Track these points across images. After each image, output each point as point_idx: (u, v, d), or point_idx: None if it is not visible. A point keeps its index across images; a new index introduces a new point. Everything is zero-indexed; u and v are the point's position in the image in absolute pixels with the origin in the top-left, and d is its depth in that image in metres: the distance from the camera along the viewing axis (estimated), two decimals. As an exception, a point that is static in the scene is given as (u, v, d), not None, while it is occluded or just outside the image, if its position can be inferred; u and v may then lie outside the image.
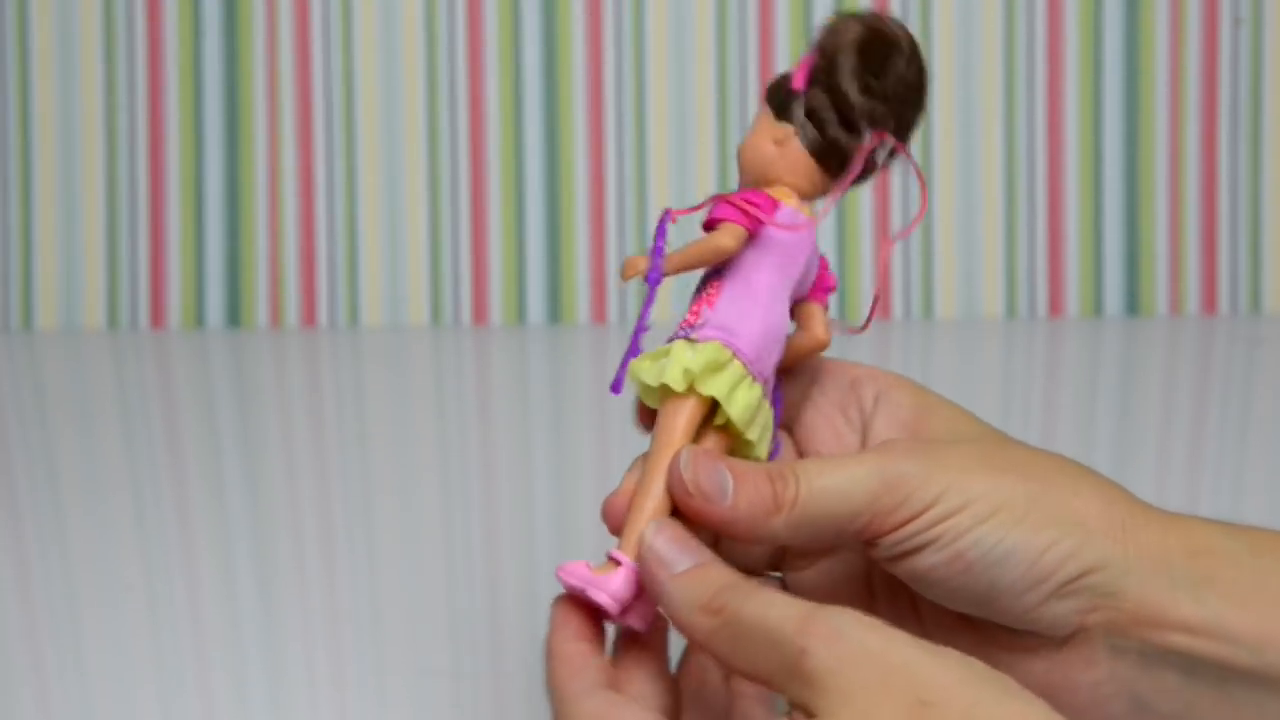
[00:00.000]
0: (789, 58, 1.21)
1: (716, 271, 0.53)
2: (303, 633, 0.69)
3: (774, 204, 0.53)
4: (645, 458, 0.52)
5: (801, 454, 0.56)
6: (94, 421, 1.00)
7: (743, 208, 0.52)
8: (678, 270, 0.52)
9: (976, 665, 0.44)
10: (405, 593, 0.73)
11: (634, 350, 0.53)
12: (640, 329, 0.53)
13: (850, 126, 0.53)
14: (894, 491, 0.50)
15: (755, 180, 0.54)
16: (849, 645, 0.44)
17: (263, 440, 0.97)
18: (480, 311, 1.22)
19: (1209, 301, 1.22)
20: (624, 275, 0.52)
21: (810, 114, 0.53)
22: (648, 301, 0.52)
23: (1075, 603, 0.50)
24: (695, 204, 0.53)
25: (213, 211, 1.23)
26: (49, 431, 0.99)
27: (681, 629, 0.48)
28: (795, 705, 0.44)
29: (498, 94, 1.22)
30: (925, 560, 0.50)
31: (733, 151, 1.20)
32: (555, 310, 1.22)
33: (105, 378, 1.15)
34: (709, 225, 0.53)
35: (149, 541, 0.80)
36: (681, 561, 0.48)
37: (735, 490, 0.51)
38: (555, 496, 0.87)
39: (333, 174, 1.22)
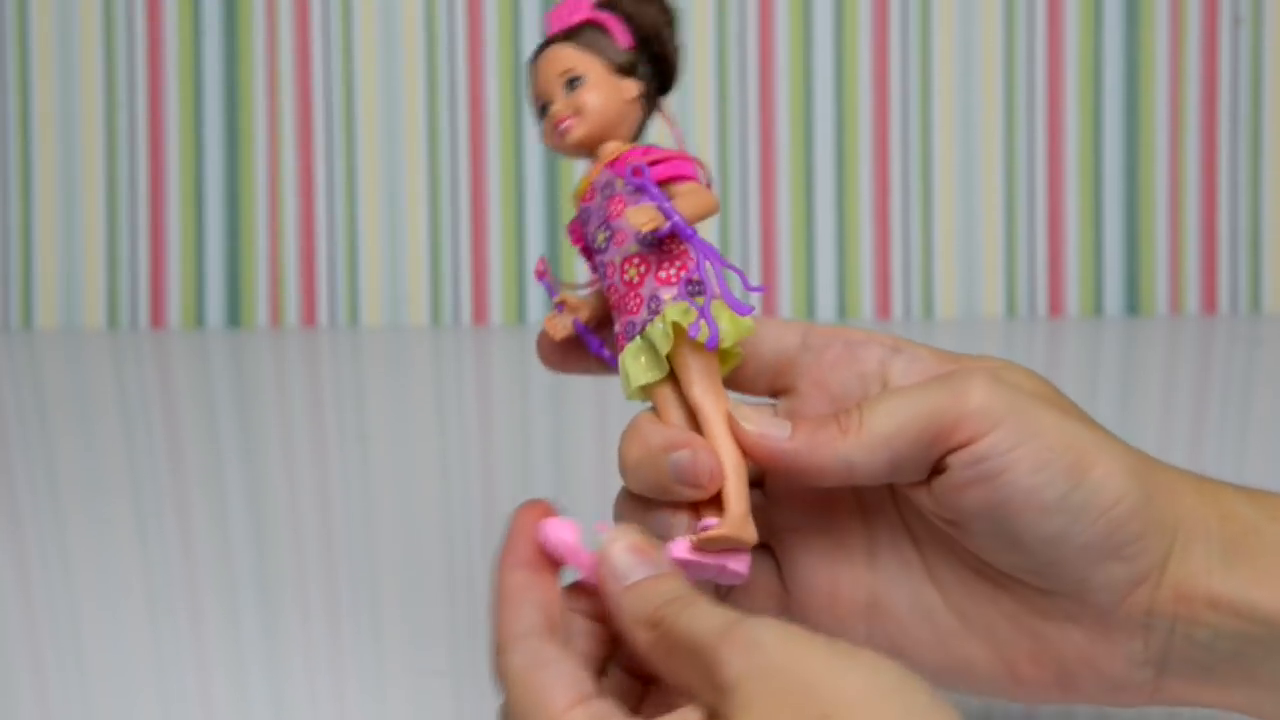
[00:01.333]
0: (789, 55, 1.21)
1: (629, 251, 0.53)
2: (303, 633, 0.69)
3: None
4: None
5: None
6: (94, 421, 1.00)
7: (695, 169, 0.53)
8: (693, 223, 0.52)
9: (889, 675, 0.43)
10: (405, 593, 0.73)
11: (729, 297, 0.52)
12: (721, 266, 0.51)
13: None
14: (961, 402, 0.49)
15: (603, 134, 0.54)
16: (761, 656, 0.43)
17: (263, 440, 0.97)
18: (480, 311, 1.22)
19: (1209, 301, 1.22)
20: (643, 228, 0.51)
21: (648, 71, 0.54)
22: (706, 248, 0.51)
23: (1128, 569, 0.50)
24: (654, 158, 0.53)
25: (213, 211, 1.23)
26: (49, 431, 0.99)
27: (627, 640, 0.47)
28: (711, 714, 0.44)
29: (498, 94, 1.22)
30: (999, 491, 0.49)
31: (732, 148, 1.20)
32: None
33: (105, 378, 1.15)
34: (666, 180, 0.52)
35: (149, 542, 0.80)
36: (635, 572, 0.48)
37: (795, 428, 0.50)
38: (554, 496, 0.87)
39: (333, 174, 1.22)
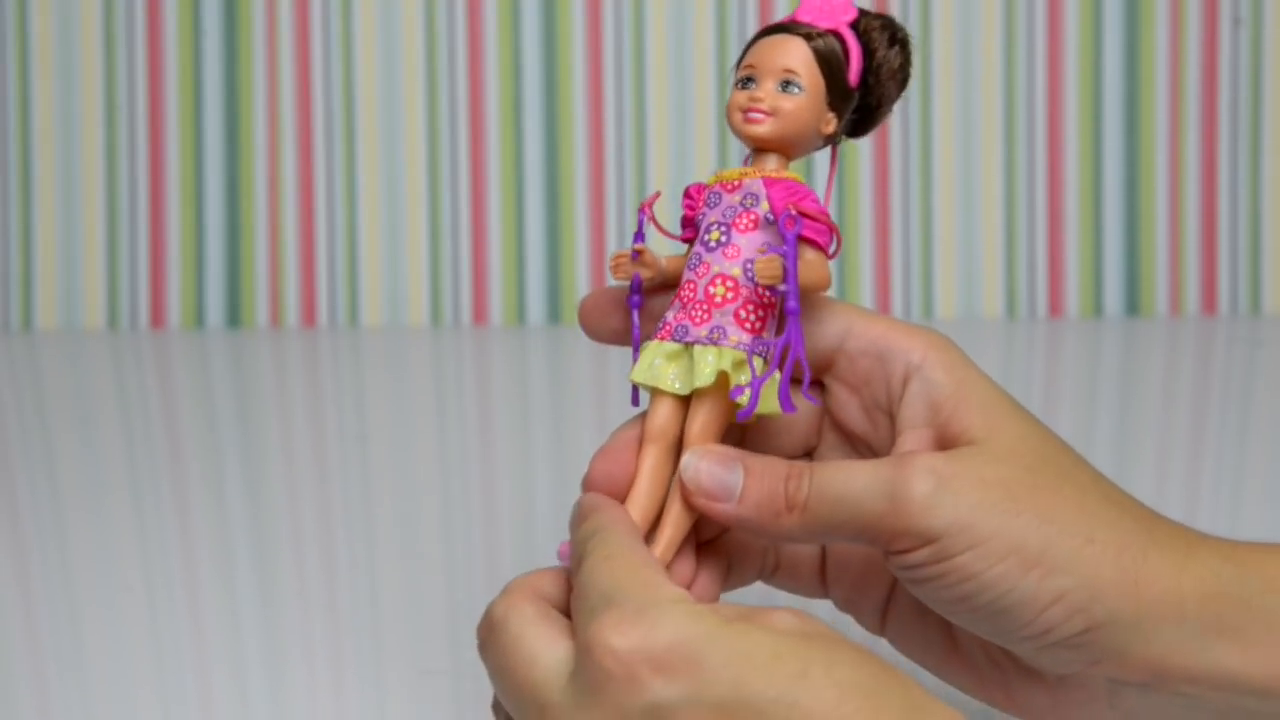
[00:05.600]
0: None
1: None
2: (303, 632, 0.69)
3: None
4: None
5: (832, 421, 0.55)
6: (94, 421, 1.00)
7: (826, 234, 0.52)
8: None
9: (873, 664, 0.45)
10: (405, 593, 0.73)
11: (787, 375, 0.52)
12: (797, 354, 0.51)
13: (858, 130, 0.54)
14: (900, 516, 0.49)
15: (780, 146, 0.53)
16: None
17: (263, 440, 0.97)
18: (480, 311, 1.22)
19: (1209, 302, 1.22)
20: (760, 278, 0.50)
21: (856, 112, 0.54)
22: (797, 332, 0.51)
23: (1079, 655, 0.50)
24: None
25: (213, 211, 1.23)
26: (49, 431, 0.99)
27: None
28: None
29: (498, 94, 1.22)
30: (932, 593, 0.50)
31: (732, 151, 1.20)
32: (555, 310, 1.22)
33: (105, 378, 1.15)
34: (805, 240, 0.52)
35: (149, 541, 0.80)
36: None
37: (745, 488, 0.51)
38: (555, 496, 0.87)
39: (333, 174, 1.22)
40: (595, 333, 0.55)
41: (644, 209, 0.54)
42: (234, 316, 1.23)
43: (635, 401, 0.55)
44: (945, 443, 0.51)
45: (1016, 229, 1.22)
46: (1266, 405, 1.02)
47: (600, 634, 0.44)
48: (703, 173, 1.20)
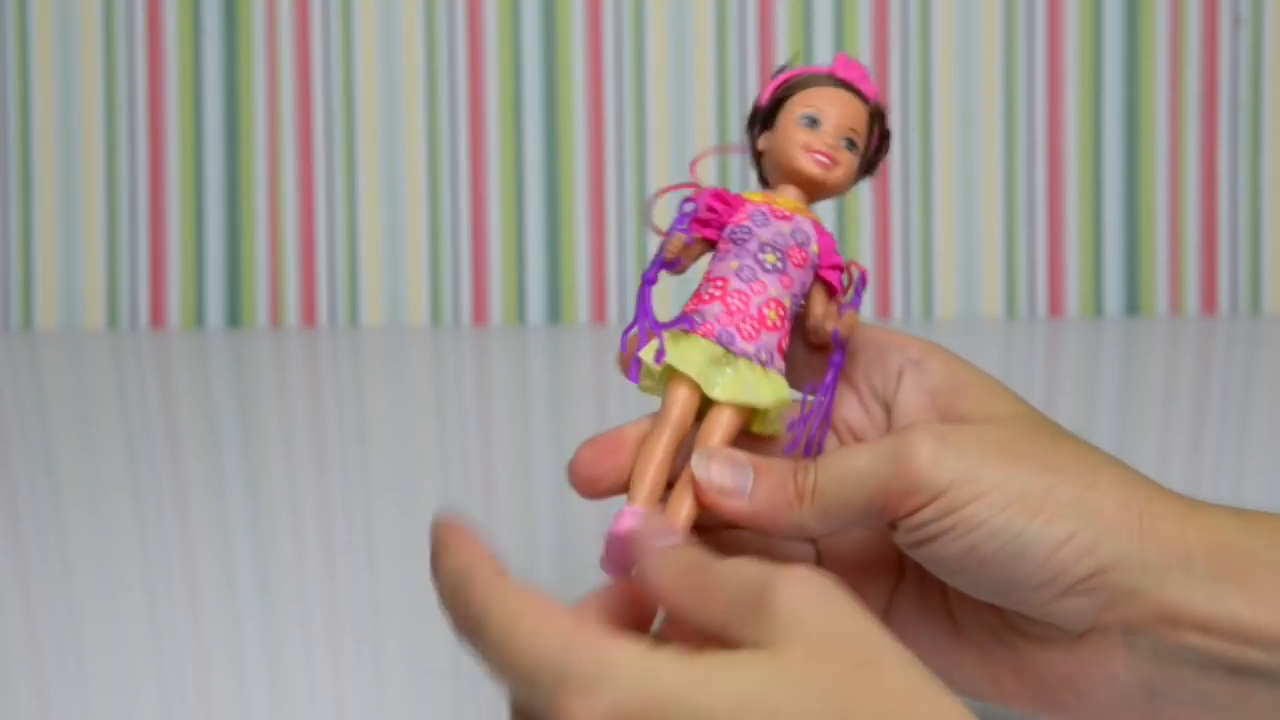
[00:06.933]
0: (788, 55, 1.21)
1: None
2: (303, 633, 0.69)
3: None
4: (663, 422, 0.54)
5: (833, 425, 0.56)
6: (94, 421, 1.00)
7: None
8: None
9: (919, 664, 0.44)
10: (405, 593, 0.73)
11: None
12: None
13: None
14: (904, 477, 0.50)
15: (825, 194, 0.56)
16: (814, 588, 0.43)
17: (263, 440, 0.97)
18: (480, 311, 1.22)
19: (1209, 301, 1.22)
20: (844, 331, 0.54)
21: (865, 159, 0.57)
22: (834, 384, 0.55)
23: (1090, 600, 0.50)
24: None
25: (213, 211, 1.23)
26: (49, 431, 0.99)
27: (657, 597, 0.47)
28: (743, 644, 0.43)
29: (498, 94, 1.22)
30: (942, 550, 0.50)
31: (732, 151, 1.20)
32: (555, 310, 1.22)
33: (105, 378, 1.15)
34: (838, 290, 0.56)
35: (149, 541, 0.80)
36: (663, 540, 0.49)
37: (755, 485, 0.52)
38: (555, 496, 0.87)
39: (332, 174, 1.22)
40: (594, 488, 0.55)
41: (698, 198, 0.55)
42: (234, 316, 1.23)
43: (635, 377, 0.55)
44: None
45: (1016, 229, 1.22)
46: (1266, 405, 1.02)
47: (567, 713, 0.43)
48: (703, 171, 1.20)
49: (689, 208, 0.55)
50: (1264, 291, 1.22)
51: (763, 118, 0.56)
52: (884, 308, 1.22)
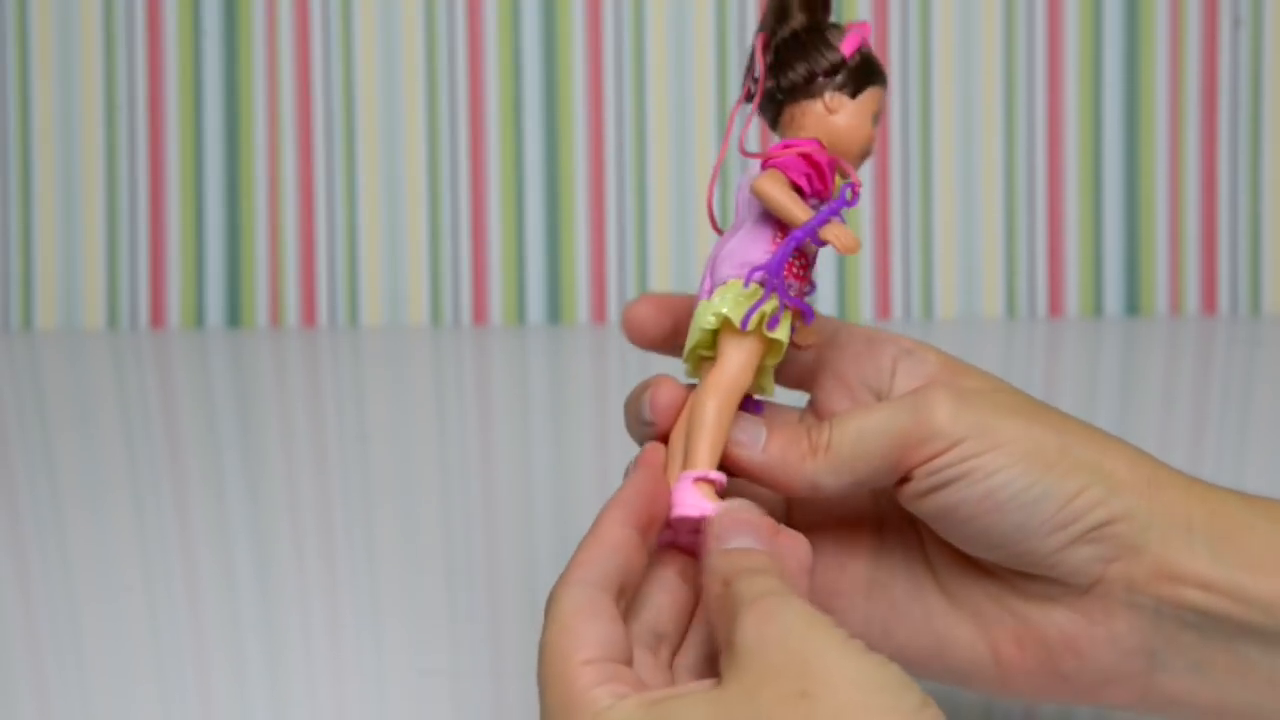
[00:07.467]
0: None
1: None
2: (302, 632, 0.69)
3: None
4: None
5: (819, 416, 0.56)
6: (94, 421, 1.00)
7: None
8: None
9: (886, 673, 0.44)
10: (405, 593, 0.73)
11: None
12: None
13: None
14: (924, 425, 0.51)
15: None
16: (774, 628, 0.45)
17: (263, 440, 0.97)
18: (480, 311, 1.22)
19: (1209, 302, 1.22)
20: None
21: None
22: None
23: (1098, 550, 0.51)
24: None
25: (213, 211, 1.23)
26: (49, 431, 0.99)
27: (704, 592, 0.49)
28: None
29: (498, 94, 1.22)
30: (956, 494, 0.51)
31: (732, 152, 1.20)
32: (555, 310, 1.22)
33: (105, 378, 1.15)
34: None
35: (149, 541, 0.80)
36: (735, 540, 0.50)
37: (769, 438, 0.53)
38: (555, 496, 0.87)
39: (333, 174, 1.22)
40: (642, 338, 0.57)
41: (856, 188, 0.55)
42: (234, 316, 1.23)
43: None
44: None
45: (1016, 229, 1.22)
46: (1266, 406, 1.02)
47: None
48: (703, 171, 1.20)
49: (849, 194, 0.55)
50: (1264, 292, 1.22)
51: (848, 73, 0.54)
52: (884, 308, 1.22)
